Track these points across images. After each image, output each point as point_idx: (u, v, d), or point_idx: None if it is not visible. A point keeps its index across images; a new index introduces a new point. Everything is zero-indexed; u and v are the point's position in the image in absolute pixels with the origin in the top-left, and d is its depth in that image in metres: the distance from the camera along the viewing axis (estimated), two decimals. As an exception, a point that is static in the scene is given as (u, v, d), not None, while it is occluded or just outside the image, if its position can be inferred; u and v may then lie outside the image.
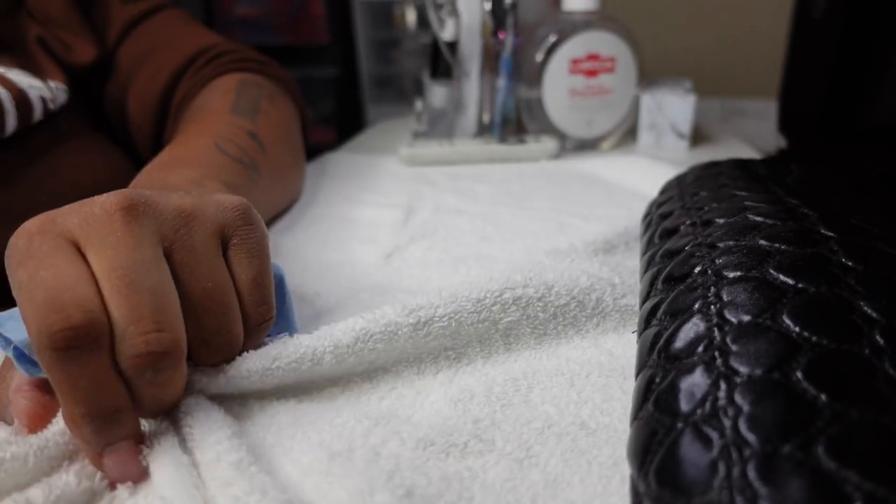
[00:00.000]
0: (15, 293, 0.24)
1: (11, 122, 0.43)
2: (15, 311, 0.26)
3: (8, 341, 0.26)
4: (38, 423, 0.25)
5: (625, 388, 0.29)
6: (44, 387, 0.26)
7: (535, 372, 0.31)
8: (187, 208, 0.27)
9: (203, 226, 0.27)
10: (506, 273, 0.33)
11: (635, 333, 0.32)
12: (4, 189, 0.42)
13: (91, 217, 0.25)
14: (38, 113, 0.45)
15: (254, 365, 0.27)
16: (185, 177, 0.37)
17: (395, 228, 0.53)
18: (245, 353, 0.28)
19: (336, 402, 0.29)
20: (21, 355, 0.26)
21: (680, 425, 0.20)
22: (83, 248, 0.24)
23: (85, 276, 0.23)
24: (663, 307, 0.28)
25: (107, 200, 0.25)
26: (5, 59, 0.46)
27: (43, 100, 0.46)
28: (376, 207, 0.58)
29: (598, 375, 0.30)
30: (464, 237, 0.50)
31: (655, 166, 0.63)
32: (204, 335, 0.26)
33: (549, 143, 0.71)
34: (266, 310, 0.28)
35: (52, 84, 0.48)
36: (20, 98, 0.43)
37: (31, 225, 0.25)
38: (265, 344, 0.30)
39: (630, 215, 0.48)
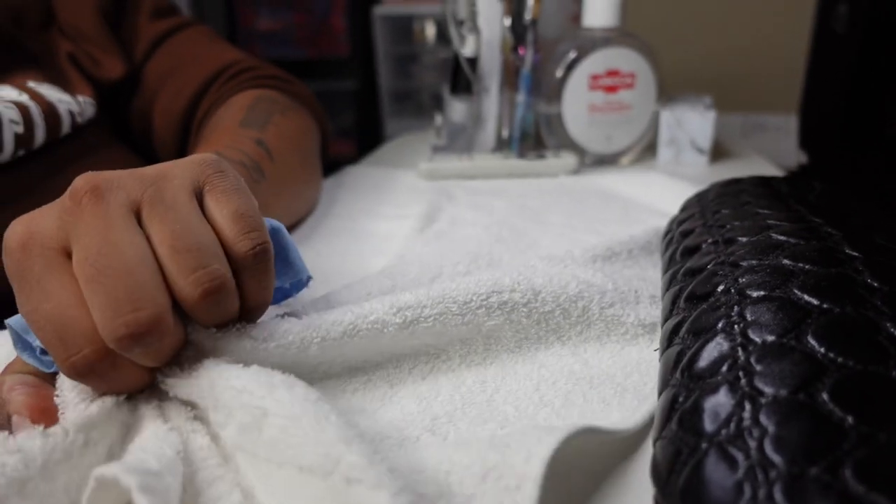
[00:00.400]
0: (24, 319, 0.25)
1: (40, 135, 0.44)
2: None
3: (25, 344, 0.27)
4: (41, 415, 0.25)
5: (587, 395, 0.29)
6: (38, 382, 0.27)
7: (505, 375, 0.31)
8: (152, 172, 0.27)
9: (172, 182, 0.27)
10: (494, 276, 0.33)
11: (657, 351, 0.32)
12: (32, 199, 0.43)
13: (63, 211, 0.25)
14: (66, 126, 0.46)
15: (244, 343, 0.27)
16: None
17: (412, 241, 0.53)
18: (239, 326, 0.27)
19: (313, 386, 0.30)
20: (40, 355, 0.27)
21: (704, 445, 0.20)
22: (66, 246, 0.25)
23: (81, 296, 0.24)
24: (686, 326, 0.28)
25: (73, 188, 0.25)
26: (36, 73, 0.47)
27: (71, 113, 0.46)
28: (394, 220, 0.58)
29: (565, 382, 0.30)
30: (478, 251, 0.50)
31: (674, 183, 0.62)
32: (185, 279, 0.25)
33: (568, 159, 0.71)
34: (257, 236, 0.27)
35: (81, 98, 0.49)
36: (49, 111, 0.44)
37: (11, 241, 0.25)
38: (289, 292, 0.33)
39: (641, 227, 0.48)
